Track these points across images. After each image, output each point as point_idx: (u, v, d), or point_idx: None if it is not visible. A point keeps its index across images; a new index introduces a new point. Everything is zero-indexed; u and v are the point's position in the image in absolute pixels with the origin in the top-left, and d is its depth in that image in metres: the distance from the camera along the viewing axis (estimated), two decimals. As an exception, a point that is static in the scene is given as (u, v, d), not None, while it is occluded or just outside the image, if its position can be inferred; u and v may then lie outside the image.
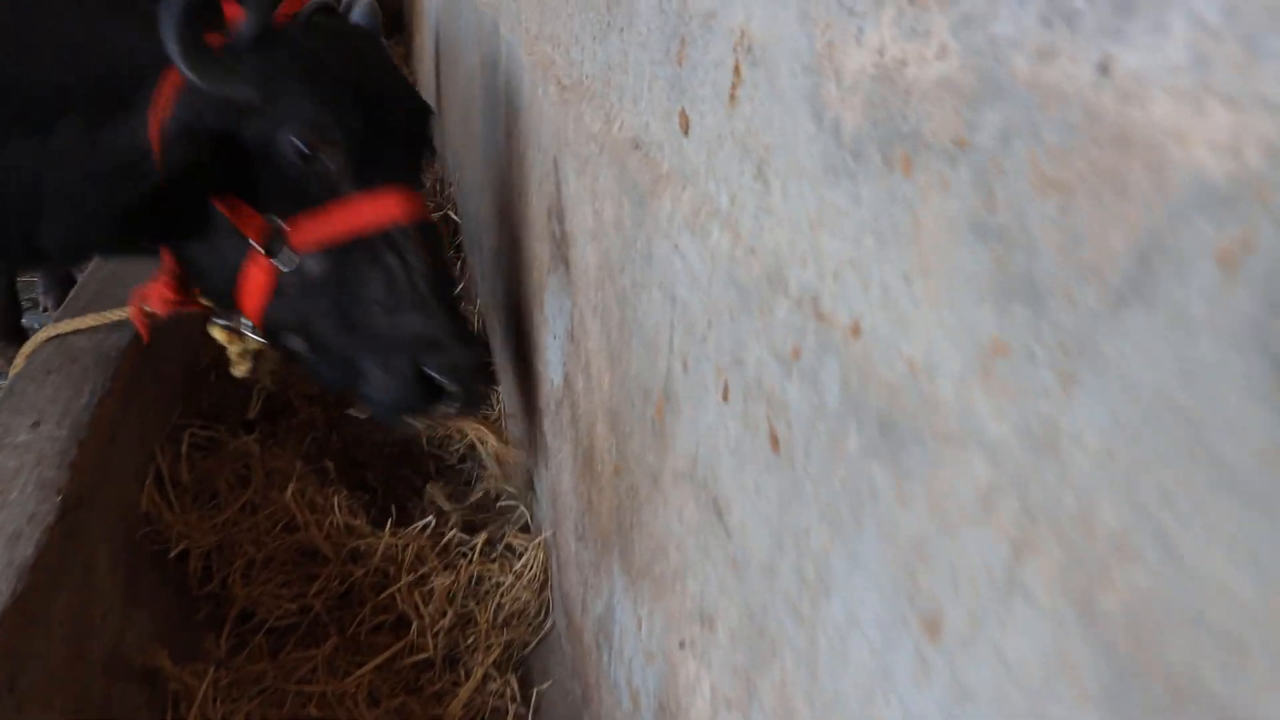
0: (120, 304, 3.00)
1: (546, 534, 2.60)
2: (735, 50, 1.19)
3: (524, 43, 2.63)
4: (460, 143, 4.39)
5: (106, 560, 2.37)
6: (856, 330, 0.92)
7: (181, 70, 2.07)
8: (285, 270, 2.19)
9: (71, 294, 3.21)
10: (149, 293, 2.54)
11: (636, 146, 1.60)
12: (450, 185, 4.94)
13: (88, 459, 2.37)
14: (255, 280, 2.23)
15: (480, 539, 2.76)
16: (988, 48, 0.72)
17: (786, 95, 1.05)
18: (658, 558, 1.58)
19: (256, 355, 2.58)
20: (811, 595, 1.03)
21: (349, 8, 4.58)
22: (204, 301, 2.54)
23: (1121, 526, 0.62)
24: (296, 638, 2.62)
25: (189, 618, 2.64)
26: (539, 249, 2.44)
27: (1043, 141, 0.67)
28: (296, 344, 2.33)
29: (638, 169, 1.57)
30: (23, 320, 5.04)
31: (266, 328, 2.34)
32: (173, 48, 2.04)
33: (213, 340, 3.59)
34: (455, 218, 4.66)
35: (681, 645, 1.48)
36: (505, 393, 3.26)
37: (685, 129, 1.37)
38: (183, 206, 2.17)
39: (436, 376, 2.19)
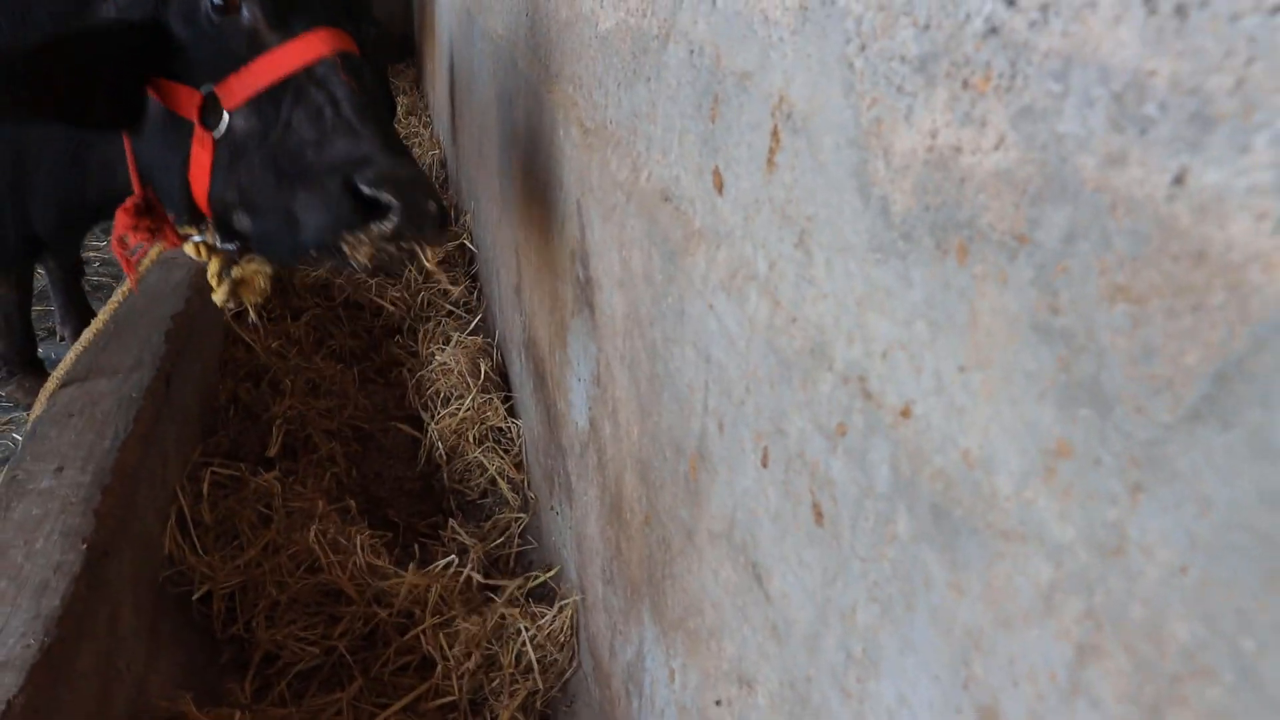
0: (129, 350, 3.02)
1: (572, 576, 2.59)
2: (774, 115, 1.18)
3: (543, 80, 2.63)
4: (475, 173, 4.39)
5: (131, 607, 2.36)
6: (908, 414, 0.91)
7: None
8: (219, 138, 2.14)
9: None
10: (116, 223, 2.50)
11: (666, 199, 1.60)
12: (466, 213, 4.94)
13: (112, 504, 2.37)
14: (199, 161, 2.19)
15: (503, 580, 2.74)
16: (1052, 144, 0.71)
17: (830, 168, 1.04)
18: (692, 613, 1.57)
19: (237, 283, 2.48)
20: (859, 673, 1.02)
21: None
22: (168, 218, 2.49)
23: (1194, 642, 0.61)
24: (320, 680, 2.61)
25: (213, 661, 2.63)
26: (562, 290, 2.43)
27: (1112, 248, 0.66)
28: (243, 222, 2.22)
29: (668, 222, 1.57)
30: (39, 350, 5.03)
31: (215, 212, 2.24)
32: None
33: (229, 378, 3.61)
34: (471, 246, 4.66)
35: (718, 703, 1.47)
36: (526, 427, 3.26)
37: (719, 188, 1.37)
38: (117, 83, 2.16)
39: (367, 190, 1.98)
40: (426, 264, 2.04)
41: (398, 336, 4.22)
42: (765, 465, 1.23)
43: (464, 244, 4.76)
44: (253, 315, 2.62)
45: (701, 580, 1.51)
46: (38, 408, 2.83)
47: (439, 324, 4.14)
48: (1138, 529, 0.65)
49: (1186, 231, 0.60)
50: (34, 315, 5.02)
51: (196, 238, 2.43)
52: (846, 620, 1.04)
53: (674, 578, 1.65)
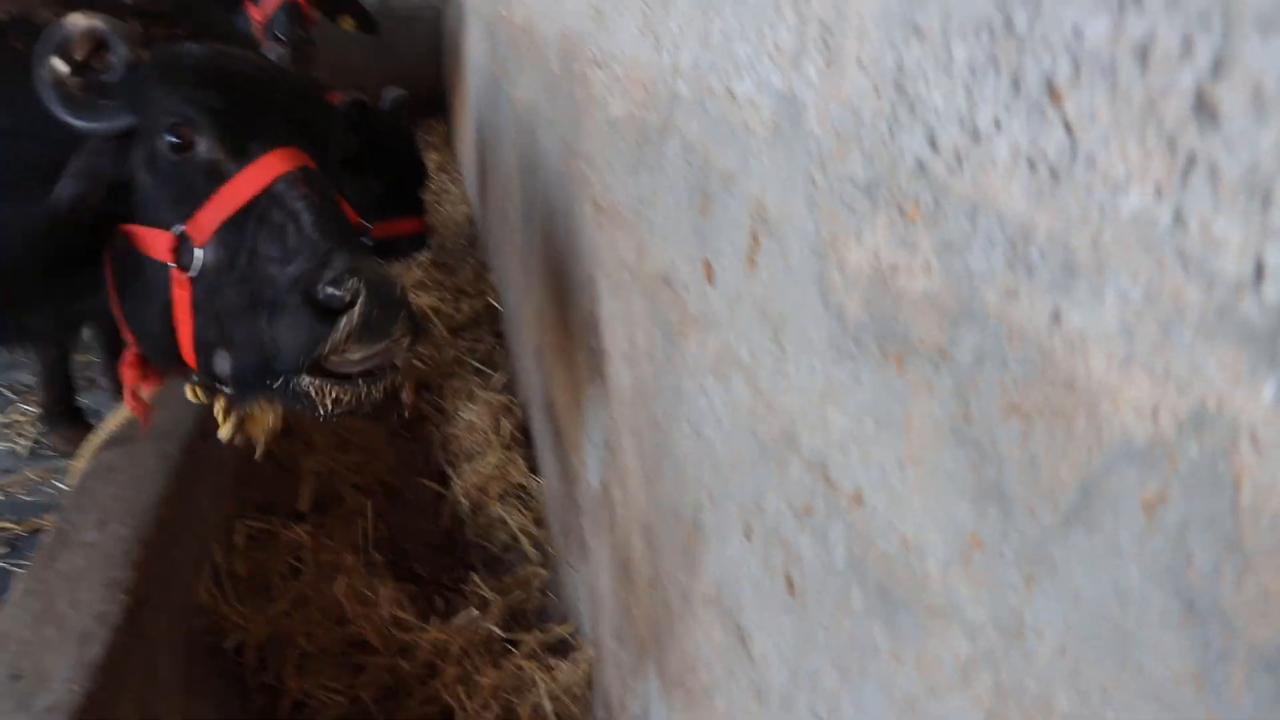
0: (169, 409, 3.16)
1: (586, 630, 2.69)
2: (753, 217, 1.30)
3: (560, 153, 2.76)
4: (500, 233, 4.54)
5: (168, 655, 2.48)
6: (859, 500, 1.02)
7: (54, 111, 2.15)
8: (195, 276, 2.13)
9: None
10: (121, 373, 2.58)
11: (666, 283, 1.72)
12: (492, 271, 5.09)
13: (151, 557, 2.49)
14: (181, 303, 2.18)
15: (522, 634, 2.85)
16: (965, 276, 0.83)
17: (797, 272, 1.16)
18: (689, 672, 1.67)
19: (243, 419, 2.55)
20: (825, 732, 1.12)
21: (390, 104, 4.77)
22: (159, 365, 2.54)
23: (1073, 713, 0.71)
24: (346, 729, 2.72)
25: (244, 709, 2.74)
26: (577, 357, 2.55)
27: (1009, 370, 0.77)
28: (222, 365, 2.20)
29: (667, 305, 1.69)
30: (77, 399, 5.16)
31: (198, 358, 2.23)
32: (42, 90, 2.13)
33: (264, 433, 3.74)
34: (497, 305, 4.80)
35: (711, 758, 1.57)
36: (546, 484, 3.37)
37: (709, 278, 1.48)
38: (84, 238, 2.21)
39: (327, 290, 1.92)
40: (405, 400, 2.03)
41: (425, 392, 4.35)
42: (749, 539, 1.34)
43: (490, 302, 4.90)
44: (260, 449, 2.66)
45: (697, 641, 1.61)
46: (81, 462, 2.98)
47: (465, 381, 4.27)
48: (1032, 615, 0.75)
49: (1061, 363, 0.71)
50: (75, 364, 5.17)
51: (194, 379, 2.42)
52: (814, 683, 1.14)
53: (674, 637, 1.75)
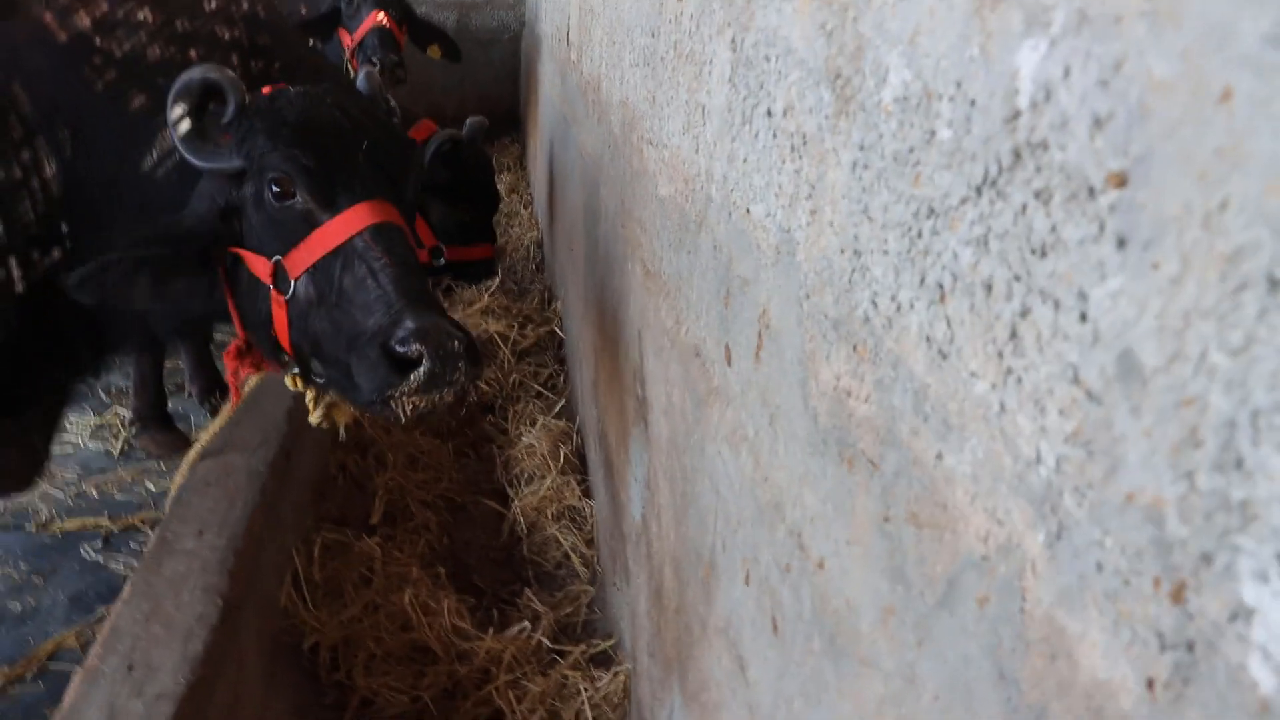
0: (256, 427, 3.50)
1: (626, 646, 2.97)
2: (760, 320, 1.58)
3: (618, 213, 3.05)
4: (565, 266, 4.84)
5: (254, 653, 2.81)
6: (822, 566, 1.29)
7: (183, 154, 2.53)
8: (289, 299, 2.52)
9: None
10: (227, 363, 2.97)
11: (697, 354, 2.00)
12: (558, 300, 5.39)
13: (242, 565, 2.82)
14: (278, 316, 2.58)
15: (569, 645, 3.14)
16: (890, 410, 1.10)
17: (789, 374, 1.43)
18: (703, 689, 1.95)
19: (330, 406, 2.91)
20: (796, 749, 1.40)
21: (470, 132, 5.09)
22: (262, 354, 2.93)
23: (948, 744, 0.98)
24: (407, 724, 3.03)
25: (317, 702, 3.06)
26: (626, 401, 2.84)
27: (913, 488, 1.04)
28: (318, 368, 2.63)
29: (697, 375, 1.97)
30: (169, 405, 5.49)
31: (298, 358, 2.67)
32: (174, 136, 2.49)
33: (339, 451, 4.08)
34: (560, 332, 5.10)
35: (719, 766, 1.85)
36: (597, 508, 3.66)
37: (729, 360, 1.76)
38: (203, 256, 2.60)
39: (399, 349, 2.31)
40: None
41: (490, 415, 4.67)
42: (748, 584, 1.62)
43: (554, 330, 5.20)
44: (343, 434, 3.04)
45: (710, 665, 1.89)
46: (180, 477, 3.32)
47: (528, 405, 4.58)
48: (921, 669, 1.02)
49: (940, 490, 0.98)
50: (165, 372, 5.51)
51: (295, 369, 2.81)
52: (789, 707, 1.42)
53: (693, 659, 2.03)
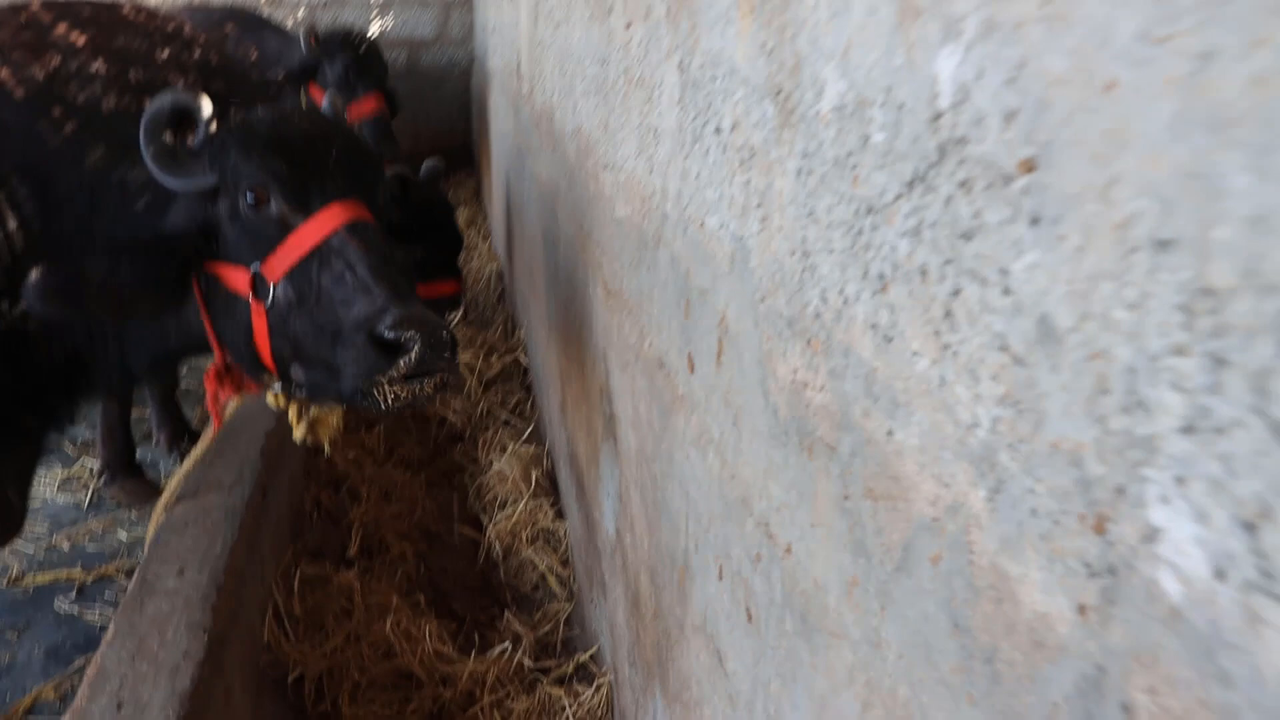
0: (231, 466, 3.54)
1: (606, 658, 3.03)
2: (719, 326, 1.66)
3: (578, 236, 3.14)
4: (528, 295, 4.92)
5: (240, 686, 2.85)
6: (790, 551, 1.37)
7: (154, 173, 2.61)
8: (269, 307, 2.59)
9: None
10: (207, 386, 3.03)
11: (661, 365, 2.08)
12: (520, 328, 5.46)
13: (224, 601, 2.86)
14: (258, 327, 2.64)
15: (550, 663, 3.20)
16: (842, 394, 1.18)
17: (749, 374, 1.52)
18: (684, 688, 2.02)
19: (314, 422, 3.00)
20: (775, 728, 1.48)
21: (427, 174, 5.18)
22: (243, 373, 2.99)
23: (909, 697, 1.06)
24: (395, 751, 3.07)
25: (305, 734, 3.10)
26: (594, 419, 2.92)
27: (867, 464, 1.12)
28: (299, 374, 2.70)
29: (662, 385, 2.05)
30: (137, 453, 5.49)
31: (277, 367, 2.73)
32: (145, 155, 2.58)
33: (313, 485, 4.13)
34: (525, 360, 5.18)
35: (703, 760, 1.92)
36: (571, 528, 3.72)
37: (691, 368, 1.84)
38: (181, 273, 2.68)
39: (389, 335, 2.40)
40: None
41: (460, 444, 4.73)
42: (721, 579, 1.70)
43: (519, 358, 5.28)
44: (327, 449, 3.10)
45: (689, 663, 1.96)
46: (157, 517, 3.35)
47: (497, 432, 4.65)
48: (885, 632, 1.10)
49: (892, 464, 1.06)
50: (132, 421, 5.51)
51: (276, 388, 2.91)
52: (766, 689, 1.49)
53: (673, 661, 2.10)
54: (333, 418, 3.00)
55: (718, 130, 1.63)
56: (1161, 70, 0.64)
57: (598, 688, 3.01)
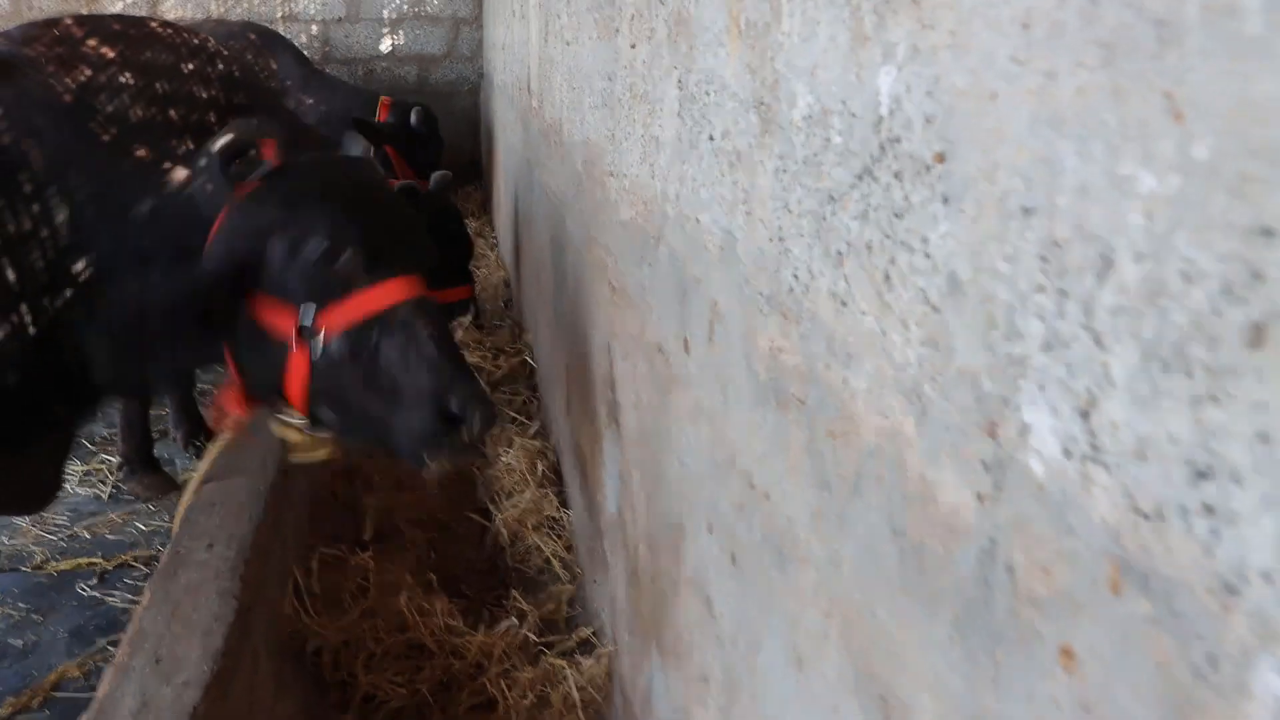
0: (255, 454, 3.77)
1: (608, 632, 3.26)
2: (711, 310, 1.90)
3: (584, 241, 3.37)
4: (535, 300, 5.16)
5: (265, 652, 3.07)
6: (768, 497, 1.60)
7: (215, 201, 2.79)
8: (318, 355, 2.71)
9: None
10: (222, 402, 3.22)
11: (660, 351, 2.31)
12: (527, 332, 5.70)
13: (251, 574, 3.09)
14: (298, 370, 2.75)
15: (555, 638, 3.43)
16: (810, 354, 1.42)
17: (735, 349, 1.75)
18: (678, 641, 2.24)
19: (312, 448, 3.19)
20: (753, 654, 1.70)
21: (437, 186, 5.43)
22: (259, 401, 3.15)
23: (866, 601, 1.29)
24: (407, 717, 3.29)
25: (322, 699, 3.32)
26: (598, 408, 3.15)
27: (829, 411, 1.36)
28: (326, 415, 2.88)
29: (660, 369, 2.28)
30: (154, 450, 5.69)
31: (305, 408, 2.88)
32: (215, 182, 2.78)
33: (329, 474, 4.35)
34: (532, 362, 5.42)
35: (692, 699, 2.14)
36: (574, 515, 3.96)
37: (687, 350, 2.08)
38: (225, 303, 2.82)
39: (455, 410, 2.63)
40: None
41: (469, 440, 4.97)
42: (710, 533, 1.93)
43: (525, 359, 5.51)
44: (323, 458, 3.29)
45: (683, 616, 2.18)
46: (186, 498, 3.58)
47: (504, 430, 4.88)
48: (842, 549, 1.33)
49: (847, 407, 1.30)
50: (150, 419, 5.70)
51: (283, 418, 3.05)
52: (748, 623, 1.72)
53: (669, 619, 2.33)
54: (330, 445, 3.16)
55: (711, 138, 1.87)
56: (1024, 84, 0.88)
57: (598, 658, 3.23)
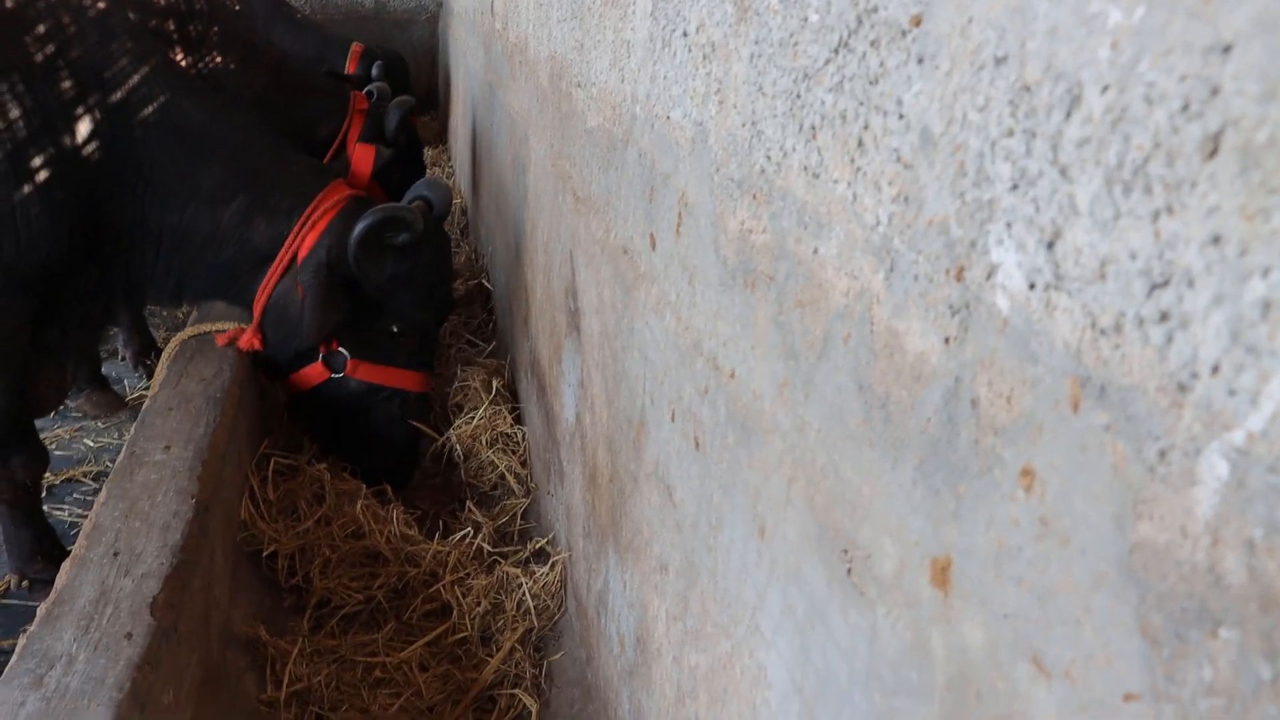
0: (211, 361, 3.77)
1: (562, 540, 3.32)
2: (679, 202, 1.94)
3: (549, 156, 3.39)
4: (493, 223, 5.17)
5: (221, 553, 3.10)
6: (733, 376, 1.65)
7: (351, 265, 3.45)
8: (333, 380, 3.66)
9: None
10: (239, 335, 3.70)
11: (625, 252, 2.35)
12: (483, 257, 5.71)
13: (208, 475, 3.11)
14: (310, 375, 3.68)
15: (508, 548, 3.48)
16: (780, 232, 1.46)
17: (703, 237, 1.79)
18: (636, 535, 2.30)
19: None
20: (714, 533, 1.76)
21: (398, 109, 5.40)
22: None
23: (830, 462, 1.35)
24: (362, 621, 3.34)
25: (278, 603, 3.36)
26: (558, 318, 3.19)
27: (797, 282, 1.41)
28: (301, 416, 3.92)
29: (625, 268, 2.32)
30: (102, 368, 5.68)
31: (296, 402, 3.82)
32: (354, 253, 3.41)
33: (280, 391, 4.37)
34: (488, 285, 5.43)
35: (650, 589, 2.20)
36: (529, 431, 4.00)
37: (653, 245, 2.12)
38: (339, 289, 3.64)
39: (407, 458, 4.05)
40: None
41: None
42: (673, 421, 1.98)
43: (482, 283, 5.53)
44: None
45: (641, 509, 2.24)
46: (161, 367, 3.67)
47: (460, 350, 4.91)
48: (808, 414, 1.39)
49: (816, 275, 1.35)
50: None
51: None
52: (709, 504, 1.78)
53: (627, 514, 2.39)
54: None
55: (684, 34, 1.90)
56: (1003, -68, 0.92)
57: (552, 565, 3.30)
